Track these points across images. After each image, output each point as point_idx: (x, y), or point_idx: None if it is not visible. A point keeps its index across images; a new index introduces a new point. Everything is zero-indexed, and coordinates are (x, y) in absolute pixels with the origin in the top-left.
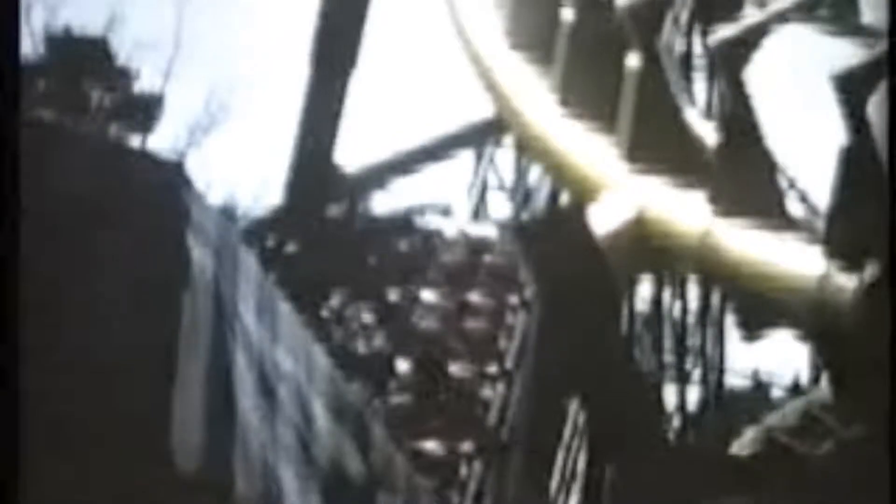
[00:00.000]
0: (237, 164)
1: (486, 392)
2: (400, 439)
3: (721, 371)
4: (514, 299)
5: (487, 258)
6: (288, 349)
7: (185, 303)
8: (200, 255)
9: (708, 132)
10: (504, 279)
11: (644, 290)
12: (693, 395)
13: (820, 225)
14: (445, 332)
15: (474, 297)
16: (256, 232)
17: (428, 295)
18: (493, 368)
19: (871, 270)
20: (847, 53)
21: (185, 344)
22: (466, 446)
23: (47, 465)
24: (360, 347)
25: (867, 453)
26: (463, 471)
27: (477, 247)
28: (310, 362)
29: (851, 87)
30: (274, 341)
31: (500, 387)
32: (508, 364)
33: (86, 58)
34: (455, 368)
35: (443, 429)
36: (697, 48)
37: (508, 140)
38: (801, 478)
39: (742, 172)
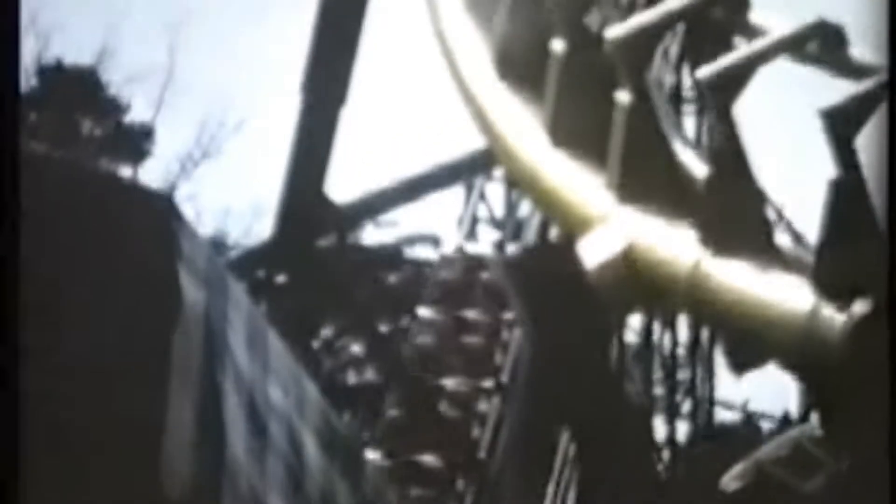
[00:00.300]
0: (228, 195)
1: (482, 406)
2: (394, 453)
3: (711, 404)
4: (510, 315)
5: (484, 275)
6: (278, 382)
7: (176, 336)
8: (190, 287)
9: (697, 166)
10: (500, 295)
11: (634, 322)
12: (683, 428)
13: (809, 260)
14: (442, 348)
15: (471, 313)
16: (247, 263)
17: (425, 312)
18: (489, 383)
19: (860, 306)
20: (837, 88)
21: (175, 376)
22: (461, 459)
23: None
24: (351, 379)
25: (858, 486)
26: (459, 484)
27: (473, 264)
28: (300, 395)
29: (840, 123)
30: (264, 374)
31: (496, 401)
32: (504, 379)
33: (77, 89)
34: (451, 383)
35: (438, 442)
36: (687, 82)
37: (498, 173)
38: None
39: (731, 206)
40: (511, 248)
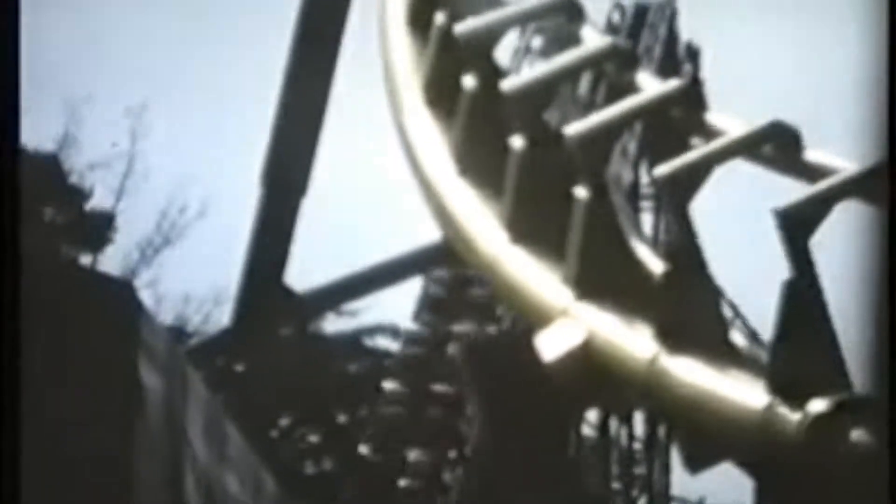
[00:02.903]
0: (188, 282)
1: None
2: None
3: (668, 500)
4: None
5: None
6: (235, 471)
7: (136, 426)
8: (149, 375)
9: (654, 262)
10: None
11: (591, 416)
12: None
13: (764, 358)
14: (408, 420)
15: (437, 387)
16: (206, 351)
17: (390, 385)
18: (452, 454)
19: (815, 405)
20: (792, 189)
21: (134, 462)
22: None
23: None
24: (308, 469)
25: None
26: None
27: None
28: (257, 485)
29: (795, 223)
30: (221, 463)
31: (459, 471)
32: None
33: (39, 176)
34: (415, 455)
35: None
36: (645, 179)
37: (457, 265)
38: None
39: (687, 303)
40: (474, 336)
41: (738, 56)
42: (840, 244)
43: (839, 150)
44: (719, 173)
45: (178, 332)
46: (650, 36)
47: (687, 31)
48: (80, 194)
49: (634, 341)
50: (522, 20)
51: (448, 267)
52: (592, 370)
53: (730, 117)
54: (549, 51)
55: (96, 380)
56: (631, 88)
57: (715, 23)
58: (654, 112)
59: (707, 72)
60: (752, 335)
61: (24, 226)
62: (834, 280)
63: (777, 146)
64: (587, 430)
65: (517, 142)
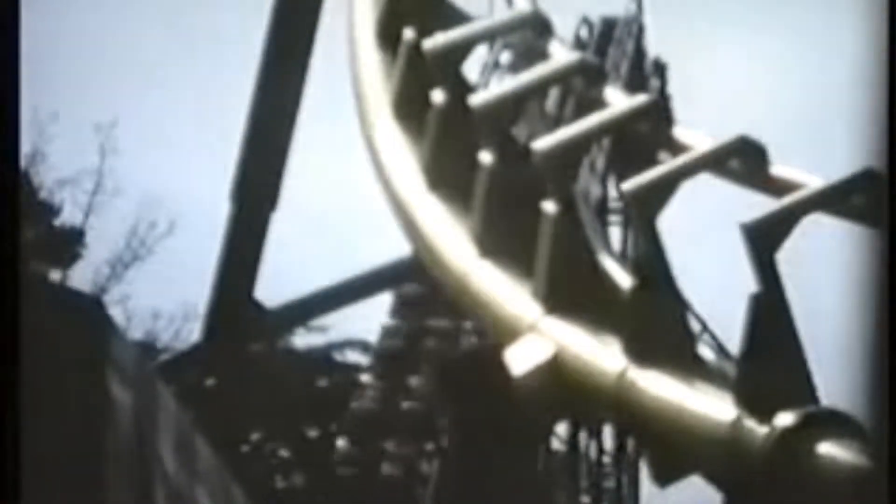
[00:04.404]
0: (158, 298)
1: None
2: None
3: None
4: (430, 447)
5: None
6: (205, 487)
7: (105, 442)
8: (119, 391)
9: (623, 276)
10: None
11: (560, 430)
12: None
13: (732, 371)
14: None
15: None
16: (176, 367)
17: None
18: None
19: (783, 419)
20: (758, 204)
21: (104, 479)
22: None
23: None
24: (279, 483)
25: None
26: None
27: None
28: (228, 500)
29: (761, 238)
30: (192, 479)
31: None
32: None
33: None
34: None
35: None
36: (613, 193)
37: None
38: None
39: (655, 317)
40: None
41: (706, 71)
42: (812, 256)
43: (809, 165)
44: (687, 187)
45: (148, 348)
46: (617, 51)
47: (653, 46)
48: (50, 210)
49: (603, 355)
50: (491, 36)
51: (417, 282)
52: (561, 384)
53: (693, 130)
54: (517, 66)
55: (65, 396)
56: (599, 104)
57: (682, 38)
58: (621, 127)
59: (673, 86)
60: (720, 349)
61: None
62: (815, 292)
63: (743, 161)
64: (556, 445)
65: (486, 157)
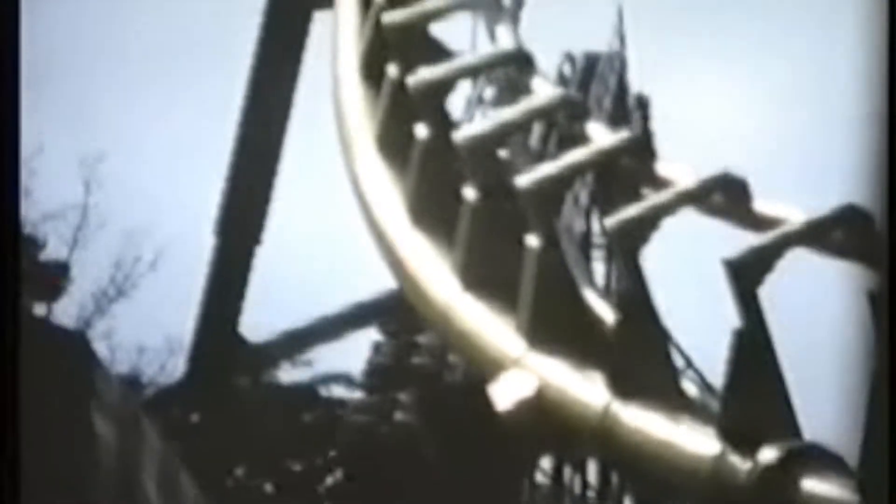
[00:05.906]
0: (142, 332)
1: None
2: None
3: None
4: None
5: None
6: None
7: (90, 476)
8: (104, 426)
9: (606, 311)
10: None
11: (545, 464)
12: None
13: (715, 405)
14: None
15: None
16: (161, 401)
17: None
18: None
19: (766, 454)
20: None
21: None
22: None
23: None
24: None
25: None
26: None
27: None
28: None
29: (743, 273)
30: None
31: None
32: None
33: None
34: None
35: None
36: (597, 228)
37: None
38: None
39: (639, 352)
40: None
41: (689, 105)
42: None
43: (791, 199)
44: (670, 222)
45: (132, 383)
46: (600, 87)
47: (636, 81)
48: (34, 245)
49: (587, 390)
50: (474, 71)
51: (401, 316)
52: (545, 419)
53: (676, 164)
54: (501, 101)
55: (50, 430)
56: (582, 139)
57: (665, 73)
58: (604, 162)
59: (656, 121)
60: (704, 383)
61: None
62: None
63: (726, 196)
64: (541, 478)
65: (469, 192)
